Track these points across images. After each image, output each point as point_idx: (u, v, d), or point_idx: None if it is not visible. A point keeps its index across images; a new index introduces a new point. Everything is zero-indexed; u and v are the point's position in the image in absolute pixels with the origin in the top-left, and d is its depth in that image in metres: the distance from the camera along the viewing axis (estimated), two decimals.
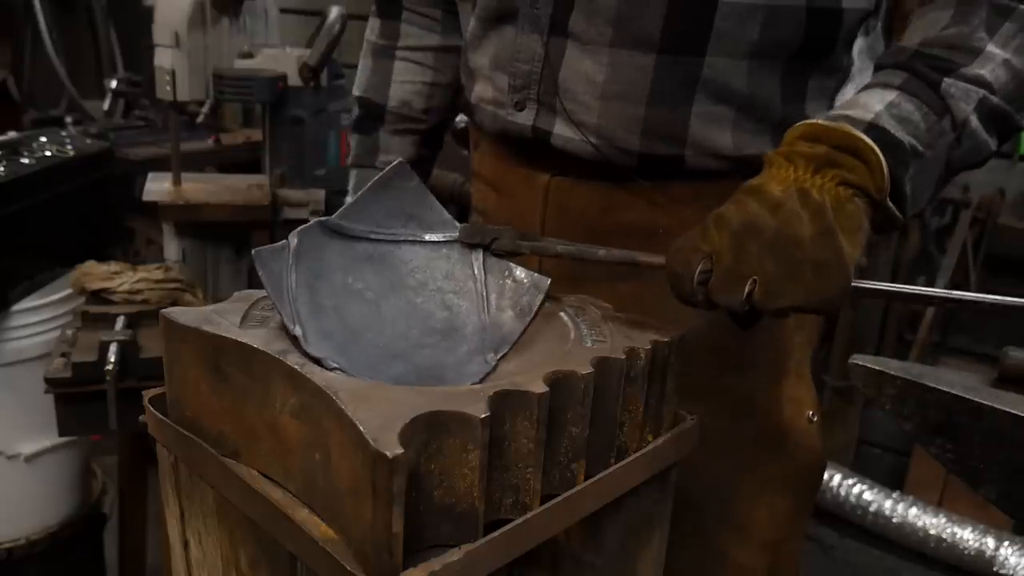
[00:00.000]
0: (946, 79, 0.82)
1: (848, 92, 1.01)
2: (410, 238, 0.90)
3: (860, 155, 0.76)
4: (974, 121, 0.83)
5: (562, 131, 1.01)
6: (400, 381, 0.78)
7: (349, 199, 1.21)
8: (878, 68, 0.89)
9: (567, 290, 0.91)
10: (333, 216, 0.87)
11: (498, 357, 0.83)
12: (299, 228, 0.83)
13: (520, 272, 0.90)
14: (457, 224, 0.92)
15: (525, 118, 1.04)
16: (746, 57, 0.94)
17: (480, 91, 1.09)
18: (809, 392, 1.11)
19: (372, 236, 0.88)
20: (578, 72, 0.98)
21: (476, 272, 0.90)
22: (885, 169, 0.76)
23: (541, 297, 0.88)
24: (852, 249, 0.74)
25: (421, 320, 0.86)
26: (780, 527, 1.11)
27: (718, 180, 0.96)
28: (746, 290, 0.74)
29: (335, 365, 0.74)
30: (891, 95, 0.82)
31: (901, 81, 0.83)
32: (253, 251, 0.79)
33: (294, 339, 0.75)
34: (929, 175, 0.83)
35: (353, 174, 1.33)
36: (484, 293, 0.88)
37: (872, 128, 0.78)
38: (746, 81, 0.95)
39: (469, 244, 0.91)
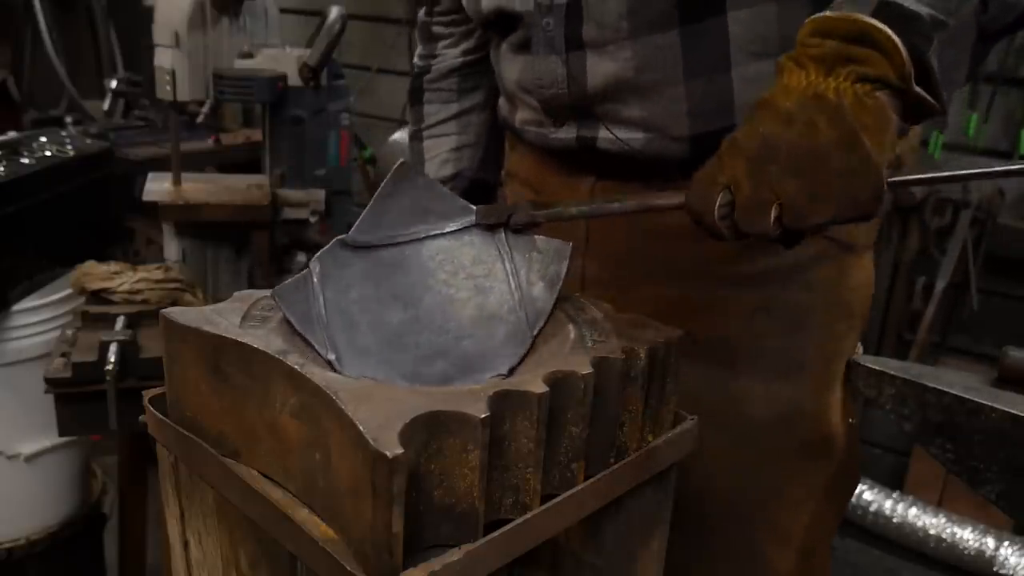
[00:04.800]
0: None
1: None
2: (431, 233, 0.90)
3: (873, 42, 0.70)
4: None
5: (607, 135, 1.00)
6: (443, 378, 0.79)
7: None
8: None
9: (611, 293, 0.90)
10: (349, 233, 0.87)
11: (535, 333, 0.83)
12: (319, 252, 0.84)
13: (542, 242, 0.89)
14: (472, 208, 0.91)
15: (567, 132, 1.03)
16: (770, 1, 0.91)
17: (520, 114, 1.09)
18: (846, 396, 1.09)
19: (392, 242, 0.88)
20: (606, 77, 0.97)
21: (501, 251, 0.89)
22: (903, 52, 0.70)
23: (566, 264, 0.87)
24: (880, 147, 0.69)
25: (458, 310, 0.86)
26: (817, 533, 1.09)
27: None
28: (773, 215, 0.70)
29: (370, 376, 0.75)
30: None
31: None
32: (272, 291, 0.79)
33: (328, 362, 0.76)
34: (959, 47, 0.76)
35: None
36: (513, 270, 0.88)
37: (884, 5, 0.72)
38: (777, 27, 0.91)
39: (488, 225, 0.90)
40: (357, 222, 0.89)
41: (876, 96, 0.70)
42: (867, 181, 0.68)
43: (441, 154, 1.28)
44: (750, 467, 1.02)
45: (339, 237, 0.86)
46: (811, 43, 0.72)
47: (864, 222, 0.73)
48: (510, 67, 1.08)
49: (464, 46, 1.25)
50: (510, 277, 0.88)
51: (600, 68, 0.97)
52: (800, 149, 0.69)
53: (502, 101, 1.16)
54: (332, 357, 0.75)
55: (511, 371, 0.81)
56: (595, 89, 0.98)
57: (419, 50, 1.30)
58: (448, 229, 0.90)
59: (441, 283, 0.88)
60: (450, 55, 1.26)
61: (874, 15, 0.71)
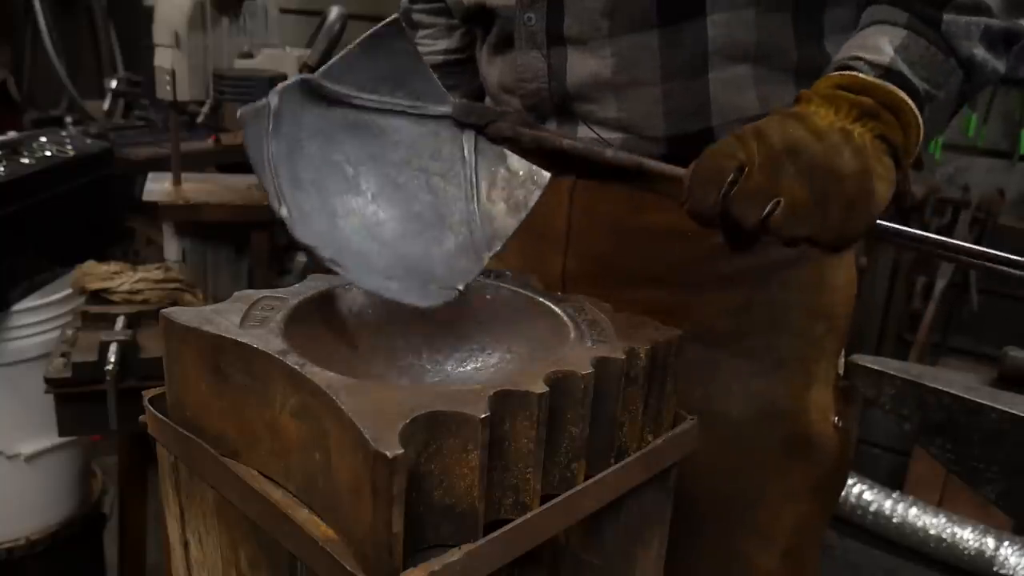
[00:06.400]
0: (945, 16, 0.82)
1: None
2: (396, 107, 0.83)
3: (902, 117, 0.76)
4: (980, 54, 0.82)
5: (586, 132, 1.00)
6: (389, 275, 0.74)
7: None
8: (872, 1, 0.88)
9: (592, 292, 0.90)
10: (316, 73, 0.80)
11: (491, 254, 0.78)
12: (279, 86, 0.77)
13: (515, 161, 0.84)
14: (451, 98, 0.86)
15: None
16: (748, 6, 0.92)
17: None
18: (835, 398, 1.10)
19: (355, 101, 0.81)
20: (586, 74, 0.97)
21: (467, 155, 0.83)
22: (921, 134, 0.76)
23: (538, 193, 0.82)
24: (883, 194, 0.74)
25: (403, 201, 0.80)
26: (802, 533, 1.10)
27: None
28: (768, 208, 0.72)
29: (328, 256, 0.71)
30: (900, 35, 0.82)
31: (905, 20, 0.82)
32: (239, 111, 0.74)
33: (281, 224, 0.72)
34: (942, 113, 0.84)
35: None
36: (474, 180, 0.83)
37: (889, 73, 0.79)
38: (755, 31, 0.93)
39: (462, 123, 0.84)
40: (326, 66, 0.81)
41: (888, 156, 0.75)
42: (863, 217, 0.73)
43: None
44: (729, 466, 1.03)
45: (303, 76, 0.80)
46: (845, 92, 0.77)
47: (831, 253, 0.78)
48: (491, 68, 1.09)
49: (446, 44, 1.25)
50: (468, 186, 0.82)
51: (580, 65, 0.97)
52: (822, 163, 0.72)
53: (487, 101, 1.17)
54: (285, 213, 0.71)
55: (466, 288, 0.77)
56: (575, 86, 0.99)
57: None
58: (416, 111, 0.83)
59: (391, 165, 0.81)
60: (432, 49, 1.25)
61: (881, 78, 0.78)
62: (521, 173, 0.83)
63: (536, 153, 0.88)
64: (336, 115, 0.80)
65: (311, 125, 0.79)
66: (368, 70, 0.81)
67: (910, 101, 0.77)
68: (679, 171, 0.77)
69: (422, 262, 0.77)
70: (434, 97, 0.85)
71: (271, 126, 0.75)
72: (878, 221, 0.76)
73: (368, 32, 0.81)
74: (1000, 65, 0.85)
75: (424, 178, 0.82)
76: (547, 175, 0.84)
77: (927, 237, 0.78)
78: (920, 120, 0.77)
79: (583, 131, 1.01)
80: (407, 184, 0.81)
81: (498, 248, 0.79)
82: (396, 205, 0.79)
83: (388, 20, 0.82)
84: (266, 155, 0.73)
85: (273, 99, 0.76)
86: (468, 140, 0.84)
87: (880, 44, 0.81)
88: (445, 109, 0.84)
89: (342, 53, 0.81)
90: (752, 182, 0.72)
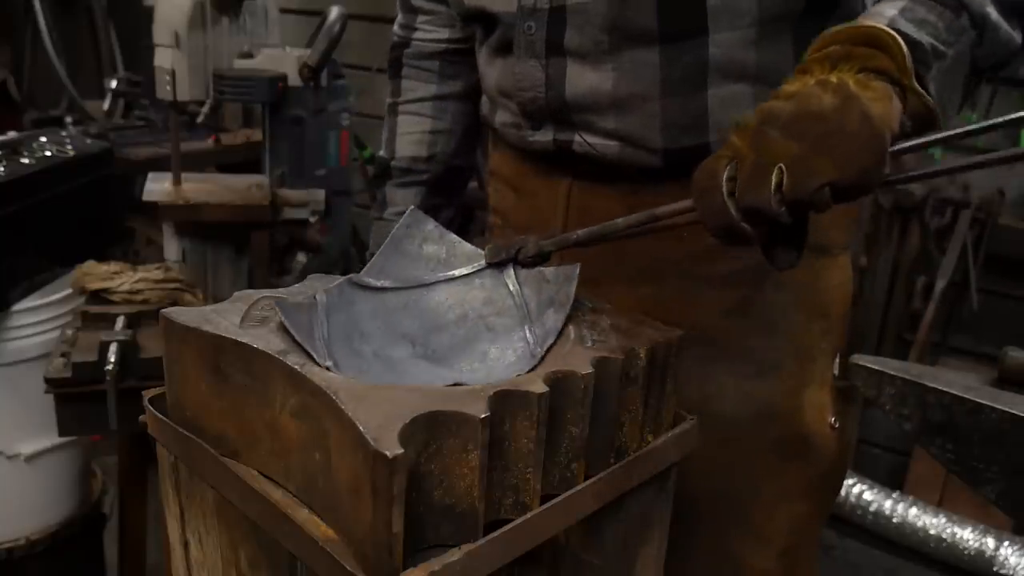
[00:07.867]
0: None
1: None
2: (439, 279, 0.90)
3: (878, 44, 0.72)
4: (993, 14, 0.80)
5: (582, 139, 1.01)
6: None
7: (370, 251, 1.25)
8: None
9: (588, 292, 0.91)
10: (360, 274, 0.87)
11: (544, 350, 0.81)
12: (326, 287, 0.83)
13: (549, 271, 0.89)
14: (480, 251, 0.92)
15: (544, 135, 1.04)
16: (750, 27, 0.92)
17: (500, 117, 1.10)
18: (831, 398, 1.10)
19: (401, 286, 0.88)
20: (584, 87, 0.97)
21: (512, 288, 0.89)
22: (904, 48, 0.72)
23: (574, 284, 0.87)
24: (882, 113, 0.68)
25: (468, 347, 0.86)
26: (798, 533, 1.09)
27: None
28: (773, 181, 0.69)
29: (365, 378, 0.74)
30: (903, 2, 0.79)
31: None
32: (276, 303, 0.78)
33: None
34: (954, 75, 0.80)
35: (373, 227, 1.34)
36: (524, 305, 0.88)
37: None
38: (756, 51, 0.93)
39: (497, 263, 0.90)
40: (368, 265, 0.89)
41: (880, 80, 0.71)
42: (868, 140, 0.67)
43: (415, 134, 1.28)
44: (724, 466, 1.03)
45: (348, 276, 0.86)
46: (815, 54, 0.75)
47: (866, 193, 0.72)
48: (490, 71, 1.09)
49: (448, 33, 1.24)
50: (521, 313, 0.87)
51: (579, 77, 0.97)
52: (800, 114, 0.69)
53: (484, 100, 1.17)
54: (329, 363, 0.75)
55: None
56: (573, 97, 0.99)
57: (399, 19, 1.29)
58: (457, 274, 0.90)
59: (452, 325, 0.87)
60: (433, 37, 1.25)
61: None
62: (558, 277, 0.88)
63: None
64: (387, 300, 0.87)
65: (366, 311, 0.85)
66: (403, 260, 0.90)
67: (882, 26, 0.73)
68: (688, 202, 0.77)
69: (481, 380, 0.81)
70: (467, 258, 0.91)
71: (323, 317, 0.80)
72: (903, 145, 0.71)
73: (393, 230, 0.91)
74: (1016, 36, 0.82)
75: (482, 323, 0.88)
76: (577, 266, 0.88)
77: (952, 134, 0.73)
78: (902, 43, 0.72)
79: (579, 139, 1.01)
80: (469, 334, 0.87)
81: (551, 342, 0.83)
82: (462, 355, 0.85)
83: (408, 212, 0.92)
84: (318, 336, 0.77)
85: (321, 297, 0.82)
86: (509, 276, 0.90)
87: (881, 11, 0.79)
88: (481, 263, 0.91)
89: (378, 253, 0.90)
90: (745, 166, 0.71)
